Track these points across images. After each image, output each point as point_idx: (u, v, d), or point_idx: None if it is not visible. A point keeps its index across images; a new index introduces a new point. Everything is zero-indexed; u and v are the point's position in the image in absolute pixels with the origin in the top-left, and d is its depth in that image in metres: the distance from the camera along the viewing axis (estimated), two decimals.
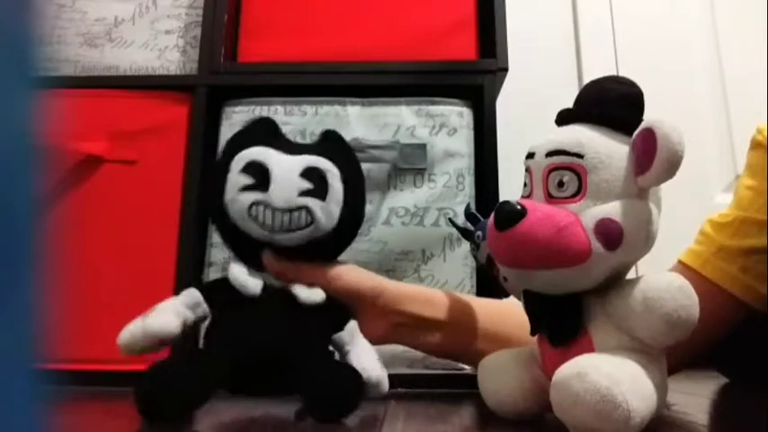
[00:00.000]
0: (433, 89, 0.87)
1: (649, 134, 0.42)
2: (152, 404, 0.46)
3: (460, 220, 0.81)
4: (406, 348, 0.77)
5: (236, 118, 0.87)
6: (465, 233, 0.63)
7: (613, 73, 1.31)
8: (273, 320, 0.51)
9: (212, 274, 0.82)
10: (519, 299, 0.50)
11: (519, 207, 0.43)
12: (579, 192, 0.44)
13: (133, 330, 0.50)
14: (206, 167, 0.87)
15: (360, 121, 0.86)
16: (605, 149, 0.44)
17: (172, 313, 0.51)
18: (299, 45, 0.91)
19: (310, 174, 0.53)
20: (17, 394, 0.15)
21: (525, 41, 1.25)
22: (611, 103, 0.46)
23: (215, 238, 0.84)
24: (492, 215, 0.46)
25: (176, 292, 0.81)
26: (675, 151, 0.41)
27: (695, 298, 0.41)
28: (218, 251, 0.83)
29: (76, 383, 0.71)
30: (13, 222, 0.16)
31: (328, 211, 0.53)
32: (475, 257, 0.61)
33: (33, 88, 0.17)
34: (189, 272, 0.83)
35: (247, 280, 0.51)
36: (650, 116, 0.44)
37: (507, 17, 0.89)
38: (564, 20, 1.36)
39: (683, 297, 0.41)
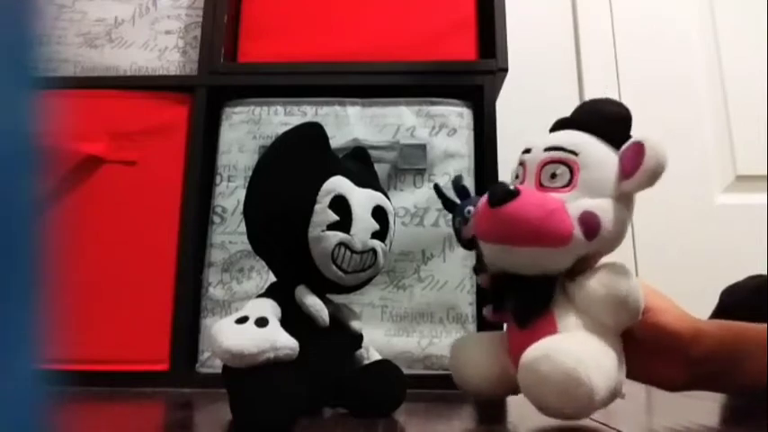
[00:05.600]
0: (433, 89, 0.87)
1: (638, 146, 0.47)
2: (264, 418, 0.43)
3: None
4: (406, 348, 0.78)
5: (236, 118, 0.87)
6: (448, 204, 0.62)
7: (613, 73, 1.31)
8: (338, 347, 0.54)
9: (212, 275, 0.82)
10: (485, 282, 0.54)
11: (513, 188, 0.47)
12: (569, 184, 0.48)
13: (260, 344, 0.44)
14: (207, 168, 0.87)
15: (360, 122, 0.86)
16: (599, 153, 0.49)
17: (282, 330, 0.47)
18: (299, 45, 0.91)
19: (378, 214, 0.54)
20: (18, 394, 0.16)
21: (525, 41, 1.25)
22: (605, 119, 0.51)
23: (215, 238, 0.84)
24: (485, 194, 0.49)
25: (176, 292, 0.82)
26: (661, 162, 0.46)
27: (640, 285, 0.47)
28: (217, 251, 0.83)
29: (77, 384, 0.71)
30: (13, 222, 0.16)
31: (385, 252, 0.55)
32: (457, 231, 0.60)
33: (33, 89, 0.17)
34: (189, 272, 0.83)
35: (323, 311, 0.51)
36: (638, 133, 0.49)
37: (507, 17, 0.89)
38: (564, 20, 1.35)
39: (635, 284, 0.46)
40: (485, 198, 0.49)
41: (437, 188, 0.64)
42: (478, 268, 0.58)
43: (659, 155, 0.46)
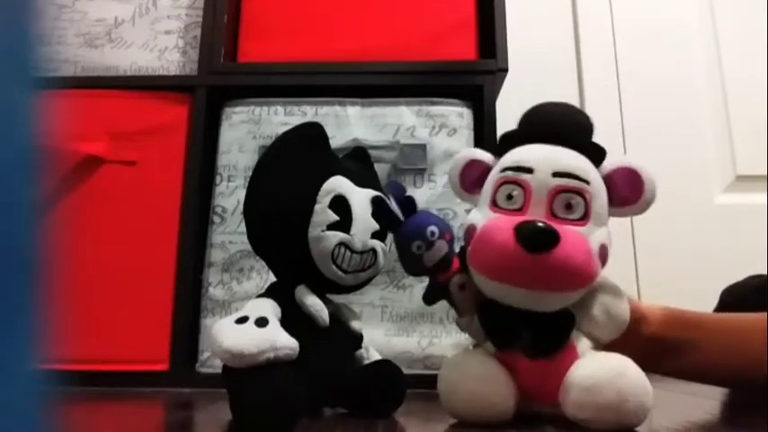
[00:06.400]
0: (433, 89, 0.87)
1: (633, 174, 0.46)
2: (264, 418, 0.43)
3: (458, 221, 0.81)
4: (406, 348, 0.78)
5: (236, 118, 0.87)
6: (393, 222, 0.53)
7: (613, 73, 1.31)
8: (338, 347, 0.53)
9: (212, 275, 0.82)
10: (464, 311, 0.51)
11: (551, 229, 0.42)
12: (585, 216, 0.45)
13: (260, 344, 0.44)
14: (207, 168, 0.87)
15: (360, 122, 0.86)
16: (598, 178, 0.47)
17: (283, 331, 0.47)
18: (299, 45, 0.91)
19: (378, 213, 0.53)
20: (19, 394, 0.16)
21: (525, 41, 1.25)
22: (582, 132, 0.48)
23: (215, 238, 0.84)
24: (479, 228, 0.46)
25: (176, 292, 0.82)
26: (655, 192, 0.46)
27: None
28: (217, 251, 0.83)
29: (78, 384, 0.71)
30: (14, 223, 0.16)
31: (385, 252, 0.55)
32: (415, 256, 0.52)
33: (34, 89, 0.17)
34: (189, 272, 0.83)
35: (323, 311, 0.50)
36: (626, 158, 0.47)
37: (507, 17, 0.89)
38: (564, 20, 1.36)
39: (627, 305, 0.48)
40: (506, 237, 0.43)
41: (382, 203, 0.53)
42: (431, 299, 0.54)
43: (654, 185, 0.46)
